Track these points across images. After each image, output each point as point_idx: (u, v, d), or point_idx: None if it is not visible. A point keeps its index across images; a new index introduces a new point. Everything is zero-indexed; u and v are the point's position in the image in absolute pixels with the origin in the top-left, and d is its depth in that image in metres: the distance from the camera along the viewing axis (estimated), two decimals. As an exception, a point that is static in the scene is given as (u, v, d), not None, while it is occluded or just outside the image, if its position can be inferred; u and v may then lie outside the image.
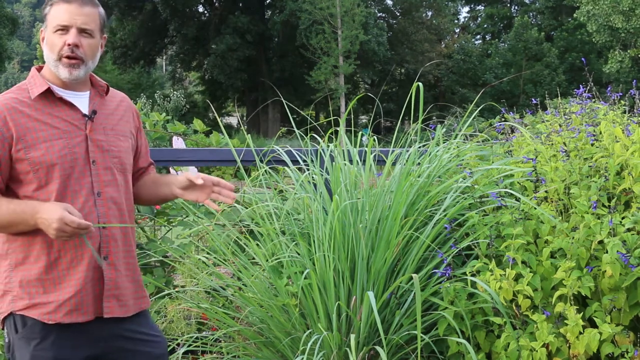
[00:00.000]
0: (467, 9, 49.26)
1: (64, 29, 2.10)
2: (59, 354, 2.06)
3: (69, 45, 2.09)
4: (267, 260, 3.13)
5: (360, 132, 3.71)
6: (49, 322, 2.06)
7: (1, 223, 2.03)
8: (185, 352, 3.24)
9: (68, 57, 2.10)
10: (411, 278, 2.74)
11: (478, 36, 47.76)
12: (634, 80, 3.66)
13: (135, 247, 2.33)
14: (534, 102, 4.31)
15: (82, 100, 2.19)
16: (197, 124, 4.85)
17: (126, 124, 2.31)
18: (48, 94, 2.12)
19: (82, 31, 2.13)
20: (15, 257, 2.09)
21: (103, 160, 2.17)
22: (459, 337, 2.66)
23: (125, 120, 2.32)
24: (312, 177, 3.38)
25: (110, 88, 2.34)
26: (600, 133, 3.16)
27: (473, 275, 2.75)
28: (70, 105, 2.15)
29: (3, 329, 2.14)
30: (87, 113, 2.17)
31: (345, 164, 3.27)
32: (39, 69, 2.20)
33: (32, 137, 2.05)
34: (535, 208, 2.83)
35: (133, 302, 2.24)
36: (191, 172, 2.58)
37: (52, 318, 2.06)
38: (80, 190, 2.11)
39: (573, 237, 2.68)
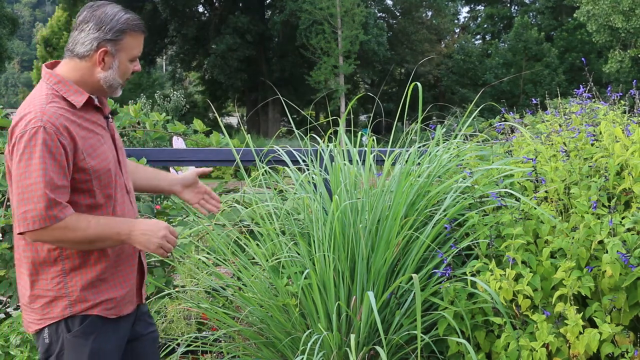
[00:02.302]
0: (467, 9, 49.26)
1: (136, 58, 2.20)
2: (116, 343, 2.19)
3: (135, 71, 2.21)
4: (267, 260, 3.13)
5: (360, 132, 3.71)
6: (112, 317, 2.16)
7: (88, 237, 2.04)
8: (185, 352, 3.24)
9: (127, 80, 2.21)
10: (411, 278, 2.74)
11: (478, 36, 47.75)
12: (634, 80, 3.66)
13: None
14: (534, 102, 4.31)
15: (95, 101, 2.23)
16: (197, 124, 4.85)
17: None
18: (86, 102, 2.14)
19: None
20: (70, 263, 2.10)
21: (123, 158, 2.28)
22: (459, 337, 2.66)
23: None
24: (312, 177, 3.38)
25: None
26: (600, 133, 3.16)
27: (473, 275, 2.75)
28: (98, 110, 2.21)
29: (41, 331, 2.13)
30: (107, 115, 2.24)
31: (345, 164, 3.27)
32: (50, 67, 2.18)
33: (87, 145, 2.08)
34: (535, 208, 2.83)
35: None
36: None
37: (115, 312, 2.17)
38: (121, 190, 2.21)
39: (573, 237, 2.68)
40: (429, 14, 42.94)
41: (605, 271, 2.54)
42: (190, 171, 2.51)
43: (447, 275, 2.79)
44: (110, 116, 2.25)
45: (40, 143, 1.96)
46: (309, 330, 2.86)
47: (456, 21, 47.34)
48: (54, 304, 2.10)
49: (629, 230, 2.65)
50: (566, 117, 3.58)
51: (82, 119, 2.11)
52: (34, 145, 1.96)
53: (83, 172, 2.06)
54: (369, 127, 3.89)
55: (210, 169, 2.49)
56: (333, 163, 3.32)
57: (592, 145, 3.15)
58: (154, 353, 2.41)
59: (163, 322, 3.42)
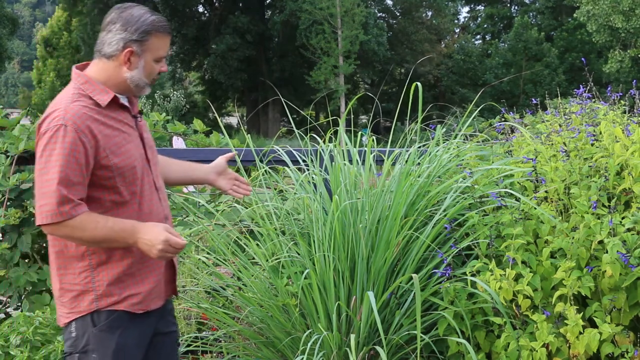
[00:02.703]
0: (467, 9, 49.22)
1: (162, 59, 2.23)
2: (140, 338, 2.20)
3: (161, 72, 2.24)
4: (267, 260, 3.13)
5: (360, 132, 3.71)
6: (138, 312, 2.18)
7: (95, 240, 2.07)
8: (185, 352, 3.24)
9: (155, 80, 2.25)
10: (411, 278, 2.74)
11: (478, 36, 47.72)
12: (634, 80, 3.66)
13: None
14: (534, 102, 4.31)
15: (125, 101, 2.26)
16: (197, 124, 4.85)
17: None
18: (112, 101, 2.18)
19: None
20: (97, 258, 2.13)
21: (152, 156, 2.30)
22: (459, 337, 2.66)
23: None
24: (312, 177, 3.38)
25: None
26: (600, 133, 3.16)
27: (473, 275, 2.75)
28: (125, 109, 2.24)
29: (69, 324, 2.16)
30: (134, 114, 2.27)
31: (345, 164, 3.27)
32: (81, 68, 2.23)
33: (112, 143, 2.12)
34: (535, 208, 2.83)
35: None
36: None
37: (141, 307, 2.19)
38: (149, 188, 2.23)
39: (573, 237, 2.68)
40: (429, 14, 42.92)
41: (605, 271, 2.54)
42: (220, 158, 2.60)
43: (447, 275, 2.79)
44: (138, 115, 2.28)
45: (61, 140, 2.02)
46: (309, 330, 2.86)
47: (456, 21, 47.32)
48: (81, 298, 2.14)
49: (629, 230, 2.65)
50: (566, 117, 3.58)
51: (108, 117, 2.15)
52: (55, 142, 2.02)
53: (106, 169, 2.10)
54: (369, 127, 3.89)
55: (232, 153, 2.64)
56: (333, 163, 3.32)
57: (592, 145, 3.15)
58: (173, 352, 2.42)
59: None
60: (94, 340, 2.13)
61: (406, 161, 3.22)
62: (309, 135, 3.72)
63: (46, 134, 2.05)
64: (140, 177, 2.18)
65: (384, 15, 43.28)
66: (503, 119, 4.28)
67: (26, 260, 3.44)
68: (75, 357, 2.14)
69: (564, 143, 3.22)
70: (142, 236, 2.08)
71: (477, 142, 3.76)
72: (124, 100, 2.22)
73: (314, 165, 3.43)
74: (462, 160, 3.41)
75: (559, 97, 3.92)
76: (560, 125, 3.54)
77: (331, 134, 3.62)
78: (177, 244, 2.09)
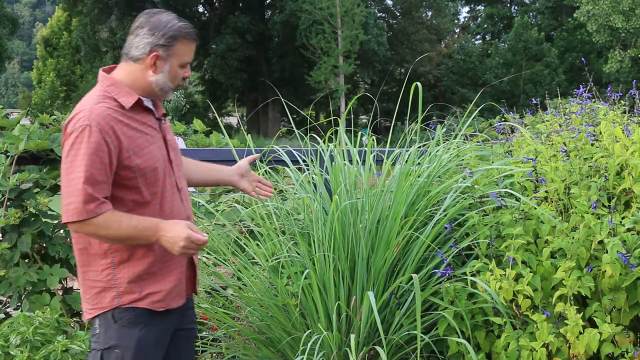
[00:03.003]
0: (467, 9, 49.20)
1: (187, 64, 2.29)
2: (162, 334, 2.26)
3: (185, 77, 2.30)
4: (267, 260, 3.13)
5: (360, 132, 3.71)
6: (159, 310, 2.22)
7: (120, 237, 2.12)
8: (185, 352, 3.24)
9: (177, 85, 2.30)
10: (411, 278, 2.74)
11: (478, 36, 47.70)
12: (634, 80, 3.66)
13: None
14: (534, 102, 4.31)
15: (149, 104, 2.31)
16: (197, 124, 4.85)
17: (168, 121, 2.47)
18: (136, 103, 2.23)
19: None
20: (119, 256, 2.18)
21: (175, 158, 2.35)
22: (459, 337, 2.66)
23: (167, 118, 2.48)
24: (312, 177, 3.38)
25: None
26: (600, 133, 3.16)
27: (473, 275, 2.75)
28: (149, 111, 2.29)
29: (93, 320, 2.23)
30: (158, 116, 2.32)
31: (345, 164, 3.27)
32: (108, 71, 2.28)
33: (134, 145, 2.18)
34: (535, 208, 2.83)
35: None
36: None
37: (161, 306, 2.23)
38: (171, 189, 2.29)
39: (573, 237, 2.68)
40: (429, 14, 42.90)
41: (605, 271, 2.54)
42: (243, 160, 2.63)
43: (447, 275, 2.79)
44: (162, 118, 2.33)
45: (86, 141, 2.09)
46: (309, 330, 2.86)
47: (456, 21, 47.30)
48: (103, 295, 2.19)
49: (629, 230, 2.65)
50: (566, 117, 3.58)
51: (131, 119, 2.20)
52: (80, 142, 2.09)
53: (128, 170, 2.15)
54: (369, 127, 3.88)
55: (257, 155, 2.70)
56: (333, 163, 3.32)
57: (592, 145, 3.15)
58: (190, 349, 2.48)
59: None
60: (116, 336, 2.19)
61: (406, 161, 3.22)
62: (309, 135, 3.72)
63: (72, 134, 2.11)
64: (162, 179, 2.23)
65: (384, 15, 43.26)
66: (503, 119, 4.28)
67: (26, 260, 3.44)
68: (99, 354, 2.20)
69: (564, 143, 3.22)
70: (164, 234, 2.13)
71: (477, 142, 3.76)
72: (148, 103, 2.28)
73: (314, 165, 3.43)
74: (462, 160, 3.41)
75: (559, 97, 3.92)
76: (560, 125, 3.54)
77: (331, 134, 3.62)
78: (198, 241, 2.13)
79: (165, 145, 2.30)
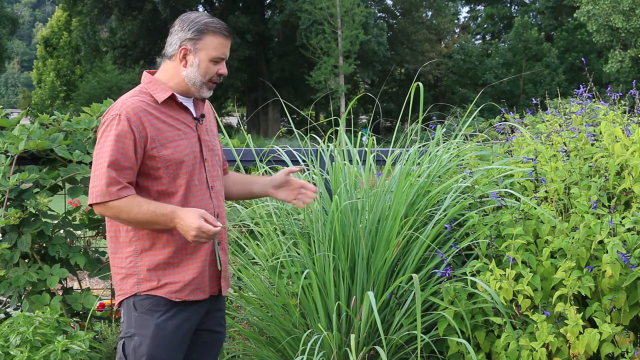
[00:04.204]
0: (467, 9, 49.18)
1: (219, 60, 2.36)
2: (179, 324, 2.30)
3: (221, 74, 2.39)
4: (267, 260, 3.13)
5: (360, 132, 3.71)
6: (176, 300, 2.29)
7: (139, 221, 2.23)
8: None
9: (214, 82, 2.40)
10: (411, 278, 2.74)
11: (478, 36, 47.69)
12: (634, 80, 3.66)
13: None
14: (534, 102, 4.31)
15: (190, 105, 2.42)
16: (197, 124, 4.83)
17: (215, 127, 2.59)
18: (170, 99, 2.35)
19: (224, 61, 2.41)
20: (141, 245, 2.29)
21: (211, 158, 2.44)
22: (459, 337, 2.66)
23: (214, 124, 2.59)
24: (312, 177, 3.38)
25: None
26: (600, 133, 3.16)
27: (473, 275, 2.75)
28: (185, 109, 2.39)
29: (119, 307, 2.36)
30: (195, 116, 2.42)
31: (345, 164, 3.28)
32: (151, 73, 2.41)
33: (162, 137, 2.28)
34: (535, 208, 2.83)
35: (229, 283, 2.55)
36: None
37: (178, 296, 2.30)
38: (200, 185, 2.37)
39: (573, 237, 2.68)
40: (429, 14, 42.88)
41: (606, 271, 2.54)
42: (279, 172, 2.64)
43: (447, 275, 2.79)
44: (200, 119, 2.42)
45: (114, 128, 2.23)
46: (309, 330, 2.86)
47: (456, 21, 47.29)
48: (126, 281, 2.31)
49: (629, 230, 2.65)
50: (566, 117, 3.58)
51: (164, 114, 2.31)
52: (109, 130, 2.24)
53: (154, 160, 2.27)
54: (369, 127, 3.88)
55: (297, 168, 2.70)
56: (333, 163, 3.32)
57: (592, 145, 3.15)
58: (215, 353, 2.52)
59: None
60: (136, 324, 2.29)
61: (406, 161, 3.22)
62: (309, 135, 3.72)
63: (104, 123, 2.27)
64: (188, 172, 2.32)
65: (384, 15, 43.24)
66: (503, 119, 4.28)
67: (26, 260, 3.44)
68: (122, 341, 2.31)
69: (564, 143, 3.22)
70: (179, 221, 2.21)
71: (477, 142, 3.76)
72: (183, 100, 2.37)
73: (314, 165, 3.43)
74: (462, 160, 3.41)
75: (559, 97, 3.92)
76: (560, 125, 3.54)
77: (331, 134, 3.62)
78: (209, 231, 2.19)
79: (199, 144, 2.38)
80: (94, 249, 3.95)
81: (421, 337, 2.56)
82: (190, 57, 2.33)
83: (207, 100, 2.57)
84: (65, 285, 3.62)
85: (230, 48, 2.40)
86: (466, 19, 49.44)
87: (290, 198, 2.63)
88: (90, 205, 2.26)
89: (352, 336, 2.59)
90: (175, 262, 2.30)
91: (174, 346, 2.29)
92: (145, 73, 2.41)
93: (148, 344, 2.26)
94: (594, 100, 3.79)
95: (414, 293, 2.57)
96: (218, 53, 2.34)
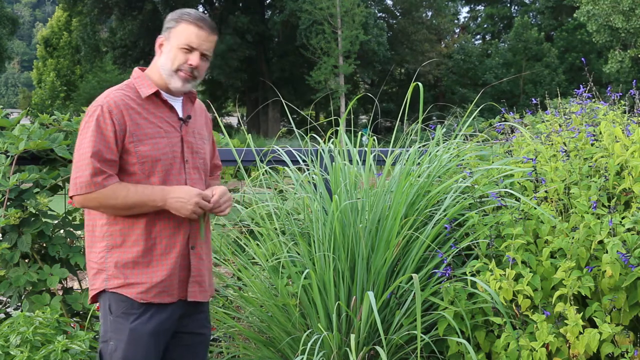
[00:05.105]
0: (467, 9, 49.19)
1: (190, 49, 2.32)
2: (155, 328, 2.28)
3: (190, 65, 2.32)
4: (267, 260, 3.13)
5: (360, 132, 3.71)
6: (140, 301, 2.26)
7: (127, 204, 2.22)
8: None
9: (185, 73, 2.32)
10: (411, 278, 2.74)
11: (478, 36, 47.69)
12: (634, 80, 3.66)
13: (210, 240, 2.54)
14: (534, 102, 4.31)
15: (178, 105, 2.40)
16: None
17: (206, 129, 2.53)
18: (155, 95, 2.33)
19: (202, 55, 2.35)
20: (113, 240, 2.28)
21: (193, 160, 2.39)
22: (459, 337, 2.66)
23: (206, 126, 2.54)
24: (312, 177, 3.38)
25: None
26: (600, 133, 3.16)
27: (473, 275, 2.75)
28: (171, 108, 2.37)
29: (96, 303, 2.36)
30: (182, 116, 2.39)
31: (345, 164, 3.27)
32: (142, 70, 2.40)
33: (141, 132, 2.27)
34: (535, 208, 2.83)
35: (209, 289, 2.46)
36: None
37: (144, 297, 2.26)
38: (177, 185, 2.32)
39: (573, 237, 2.68)
40: (429, 14, 42.88)
41: (605, 271, 2.54)
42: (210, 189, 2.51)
43: (447, 275, 2.79)
44: (186, 119, 2.38)
45: (95, 120, 2.23)
46: (309, 330, 2.86)
47: (456, 21, 47.29)
48: (97, 276, 2.30)
49: (629, 230, 2.65)
50: (566, 117, 3.58)
51: (146, 110, 2.30)
52: (90, 122, 2.24)
53: (129, 155, 2.25)
54: (369, 127, 3.88)
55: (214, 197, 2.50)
56: (333, 163, 3.32)
57: (592, 145, 3.15)
58: (201, 354, 2.48)
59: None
60: (112, 328, 2.28)
61: (406, 161, 3.22)
62: (309, 135, 3.72)
63: (87, 115, 2.27)
64: (164, 171, 2.29)
65: (384, 15, 43.24)
66: (503, 119, 4.28)
67: (26, 260, 3.44)
68: (100, 347, 2.31)
69: (564, 143, 3.22)
70: (173, 195, 2.23)
71: (477, 142, 3.76)
72: (170, 99, 2.35)
73: (314, 165, 3.43)
74: (462, 160, 3.41)
75: (559, 97, 3.93)
76: (560, 125, 3.54)
77: (331, 134, 3.62)
78: (207, 197, 2.25)
79: (181, 144, 2.35)
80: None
81: (421, 337, 2.56)
82: (164, 46, 2.34)
83: (201, 105, 2.55)
84: (65, 285, 3.62)
85: (211, 43, 2.35)
86: (466, 19, 49.44)
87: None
88: (72, 196, 2.25)
89: (352, 336, 2.59)
90: (145, 262, 2.27)
91: (149, 350, 2.26)
92: (136, 68, 2.41)
93: (123, 349, 2.24)
94: (593, 100, 3.79)
95: (414, 293, 2.57)
96: (187, 40, 2.30)
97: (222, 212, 2.38)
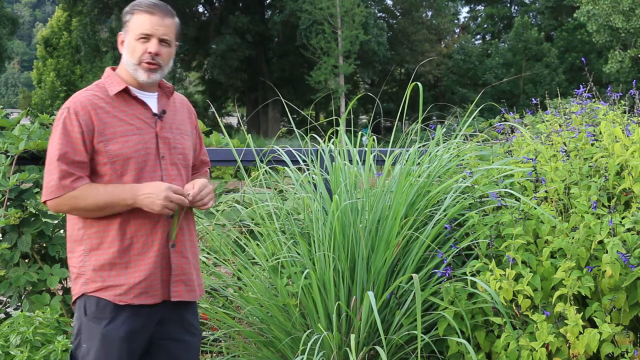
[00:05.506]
0: (467, 9, 49.20)
1: (146, 37, 2.27)
2: (128, 333, 2.21)
3: (149, 53, 2.26)
4: (267, 260, 3.13)
5: (360, 132, 3.71)
6: (120, 303, 2.21)
7: (98, 205, 2.18)
8: (185, 352, 3.23)
9: (148, 63, 2.27)
10: (411, 278, 2.74)
11: (478, 36, 47.69)
12: (634, 80, 3.66)
13: (197, 237, 2.48)
14: (534, 102, 4.31)
15: (152, 100, 2.35)
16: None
17: (188, 123, 2.46)
18: (124, 92, 2.29)
19: (161, 41, 2.29)
20: (90, 243, 2.24)
21: (170, 156, 2.33)
22: (459, 337, 2.66)
23: (187, 120, 2.47)
24: (312, 177, 3.38)
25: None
26: (600, 133, 3.16)
27: (473, 275, 2.75)
28: (143, 104, 2.31)
29: (73, 308, 2.30)
30: (156, 112, 2.34)
31: (345, 164, 3.27)
32: (113, 69, 2.36)
33: (110, 131, 2.23)
34: (535, 208, 2.83)
35: (195, 289, 2.38)
36: None
37: (123, 299, 2.21)
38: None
39: (573, 237, 2.68)
40: (429, 14, 42.89)
41: (605, 271, 2.54)
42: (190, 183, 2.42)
43: (447, 275, 2.79)
44: (161, 114, 2.33)
45: (62, 122, 2.21)
46: (309, 330, 2.86)
47: (456, 21, 47.29)
48: (77, 281, 2.26)
49: (629, 230, 2.65)
50: (566, 117, 3.58)
51: (116, 108, 2.26)
52: (58, 125, 2.22)
53: (100, 155, 2.21)
54: (369, 127, 3.88)
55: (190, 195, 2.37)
56: (333, 163, 3.32)
57: (592, 145, 3.15)
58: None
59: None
60: (84, 331, 2.23)
61: (406, 161, 3.22)
62: (309, 135, 3.72)
63: (55, 119, 2.24)
64: (137, 169, 2.24)
65: (384, 15, 43.25)
66: (503, 119, 4.28)
67: (26, 260, 3.44)
68: (73, 348, 2.25)
69: (564, 143, 3.22)
70: (142, 192, 2.18)
71: (477, 142, 3.76)
72: (140, 94, 2.30)
73: (314, 165, 3.43)
74: (462, 160, 3.41)
75: (559, 97, 3.93)
76: (560, 125, 3.54)
77: (331, 134, 3.62)
78: (178, 190, 2.19)
79: (156, 140, 2.29)
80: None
81: (421, 337, 2.56)
82: (124, 42, 2.30)
83: (183, 99, 2.49)
84: (65, 285, 3.62)
85: (168, 27, 2.27)
86: (466, 19, 49.44)
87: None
88: (44, 202, 2.21)
89: (352, 336, 2.59)
90: (122, 263, 2.22)
91: (121, 355, 2.20)
92: (107, 68, 2.37)
93: (95, 353, 2.19)
94: (594, 100, 3.79)
95: (414, 293, 2.57)
96: (141, 29, 2.25)
97: (204, 206, 2.31)
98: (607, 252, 2.56)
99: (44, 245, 3.51)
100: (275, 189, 3.52)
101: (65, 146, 2.17)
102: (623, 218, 2.73)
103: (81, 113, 2.20)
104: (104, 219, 2.22)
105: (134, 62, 2.27)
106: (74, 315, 2.30)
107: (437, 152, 3.35)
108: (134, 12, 2.28)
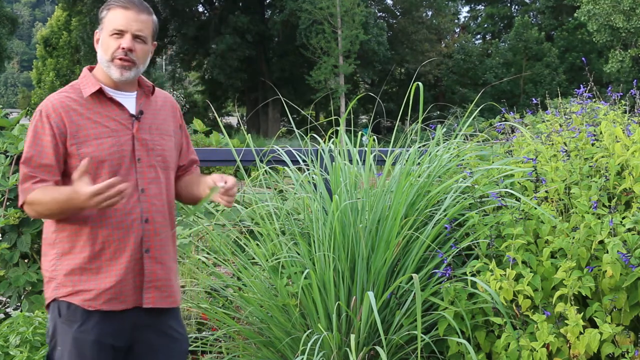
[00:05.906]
0: (467, 8, 49.21)
1: (120, 33, 2.20)
2: (99, 337, 2.16)
3: (123, 48, 2.19)
4: (267, 260, 3.12)
5: (360, 132, 3.71)
6: (89, 309, 2.16)
7: (54, 211, 2.13)
8: (185, 352, 3.23)
9: (121, 59, 2.19)
10: (411, 278, 2.74)
11: (478, 36, 47.69)
12: (635, 80, 3.66)
13: (175, 243, 2.38)
14: (534, 102, 4.31)
15: (129, 100, 2.27)
16: (197, 124, 4.84)
17: (170, 122, 2.37)
18: (99, 93, 2.21)
19: (136, 37, 2.22)
20: (62, 247, 2.19)
21: (148, 158, 2.25)
22: (459, 337, 2.65)
23: (170, 119, 2.38)
24: (312, 177, 3.37)
25: (156, 88, 2.41)
26: (601, 133, 3.16)
27: (473, 275, 2.75)
28: (119, 105, 2.24)
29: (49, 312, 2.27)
30: (134, 113, 2.26)
31: (345, 164, 3.27)
32: (91, 69, 2.29)
33: (83, 134, 2.16)
34: (535, 208, 2.83)
35: (172, 295, 2.30)
36: None
37: (92, 305, 2.16)
38: (130, 186, 2.18)
39: (573, 237, 2.68)
40: (429, 13, 42.90)
41: (606, 271, 2.54)
42: (211, 176, 2.36)
43: (447, 275, 2.79)
44: (136, 116, 2.24)
45: (33, 125, 2.17)
46: (309, 330, 2.86)
47: (456, 21, 47.29)
48: (48, 285, 2.22)
49: (629, 230, 2.64)
50: (566, 117, 3.58)
51: (90, 110, 2.19)
52: (30, 128, 2.19)
53: (73, 158, 2.16)
54: (369, 127, 3.88)
55: (222, 183, 2.29)
56: (333, 163, 3.32)
57: (593, 145, 3.15)
58: None
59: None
60: (58, 333, 2.19)
61: (406, 161, 3.22)
62: (309, 135, 3.72)
63: (30, 121, 2.22)
64: (111, 173, 2.16)
65: (384, 15, 43.25)
66: (503, 119, 4.28)
67: (26, 260, 3.44)
68: (49, 350, 2.23)
69: (565, 143, 3.21)
70: (77, 191, 2.04)
71: (478, 142, 3.76)
72: (116, 95, 2.23)
73: (314, 165, 3.43)
74: (462, 160, 3.40)
75: (560, 97, 3.92)
76: (560, 125, 3.54)
77: (331, 134, 3.62)
78: (102, 188, 1.99)
79: (132, 142, 2.21)
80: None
81: (421, 337, 2.55)
82: (99, 40, 2.24)
83: (166, 97, 2.41)
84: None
85: (143, 23, 2.20)
86: (466, 19, 49.44)
87: (219, 200, 2.34)
88: (21, 208, 2.18)
89: (352, 336, 2.59)
90: (93, 269, 2.16)
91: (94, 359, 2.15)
92: (85, 67, 2.30)
93: (67, 356, 2.15)
94: (594, 100, 3.79)
95: (414, 293, 2.56)
96: (115, 25, 2.18)
97: (228, 203, 2.24)
98: (607, 252, 2.55)
99: (44, 245, 3.50)
100: (275, 189, 3.51)
101: (32, 149, 2.14)
102: (624, 218, 2.73)
103: (53, 115, 2.15)
104: (75, 223, 2.16)
105: (106, 59, 2.20)
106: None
107: (437, 152, 3.35)
108: (109, 8, 2.22)
